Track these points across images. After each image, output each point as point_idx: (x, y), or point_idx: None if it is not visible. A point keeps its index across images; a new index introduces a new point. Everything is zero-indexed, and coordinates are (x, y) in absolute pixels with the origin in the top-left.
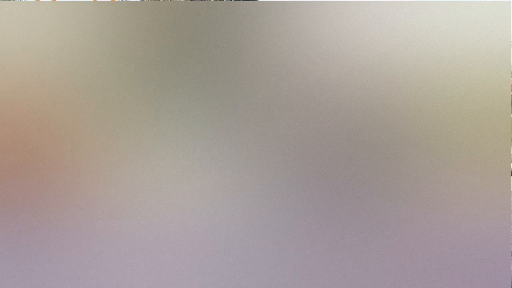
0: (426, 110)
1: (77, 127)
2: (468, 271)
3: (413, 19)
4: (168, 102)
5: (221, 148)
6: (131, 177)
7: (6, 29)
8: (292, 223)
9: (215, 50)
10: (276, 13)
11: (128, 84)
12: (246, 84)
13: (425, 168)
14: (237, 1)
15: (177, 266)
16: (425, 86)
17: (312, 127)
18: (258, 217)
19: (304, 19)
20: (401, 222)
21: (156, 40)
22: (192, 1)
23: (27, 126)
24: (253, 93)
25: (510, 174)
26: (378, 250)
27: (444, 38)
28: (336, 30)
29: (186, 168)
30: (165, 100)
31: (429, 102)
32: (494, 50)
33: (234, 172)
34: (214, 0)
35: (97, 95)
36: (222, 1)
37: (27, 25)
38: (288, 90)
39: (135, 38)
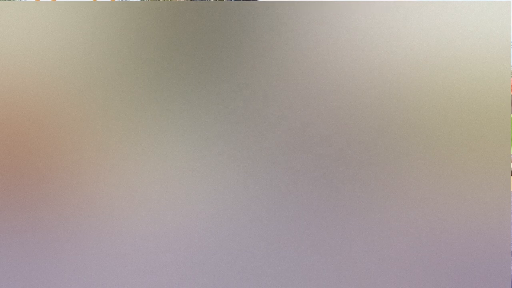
0: (426, 110)
1: (77, 127)
2: (468, 271)
3: (413, 19)
4: (168, 102)
5: (221, 148)
6: (132, 177)
7: (6, 29)
8: (292, 223)
9: (215, 50)
10: (276, 13)
11: (128, 84)
12: (246, 84)
13: (425, 168)
14: (237, 1)
15: (177, 266)
16: (425, 86)
17: (312, 127)
18: (258, 217)
19: (304, 19)
20: (401, 222)
21: (156, 40)
22: (192, 1)
23: (27, 126)
24: (253, 93)
25: (510, 174)
26: (378, 249)
27: (444, 38)
28: (336, 30)
29: (186, 168)
30: (165, 100)
31: (429, 102)
32: (494, 50)
33: (234, 172)
34: (214, 0)
35: (97, 95)
36: (222, 1)
37: (27, 25)
38: (288, 90)
39: (135, 38)
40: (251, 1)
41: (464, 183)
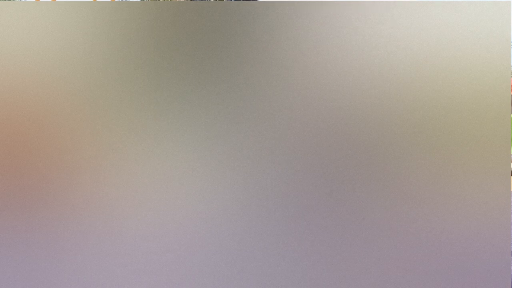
0: (426, 110)
1: (77, 127)
2: (468, 271)
3: (413, 19)
4: (168, 102)
5: (222, 148)
6: (132, 177)
7: (6, 29)
8: (293, 224)
9: (215, 50)
10: (276, 13)
11: (128, 84)
12: (246, 84)
13: (425, 168)
14: (237, 1)
15: (177, 266)
16: (425, 86)
17: (312, 127)
18: (259, 217)
19: (304, 19)
20: (401, 222)
21: (156, 40)
22: (192, 1)
23: (27, 126)
24: (253, 94)
25: (510, 174)
26: (378, 250)
27: (444, 38)
28: (336, 30)
29: (186, 168)
30: (165, 100)
31: (429, 102)
32: (494, 50)
33: (234, 172)
34: (214, 0)
35: (97, 95)
36: (222, 1)
37: (27, 25)
38: (288, 90)
39: (135, 38)
40: (251, 1)
41: (464, 183)
